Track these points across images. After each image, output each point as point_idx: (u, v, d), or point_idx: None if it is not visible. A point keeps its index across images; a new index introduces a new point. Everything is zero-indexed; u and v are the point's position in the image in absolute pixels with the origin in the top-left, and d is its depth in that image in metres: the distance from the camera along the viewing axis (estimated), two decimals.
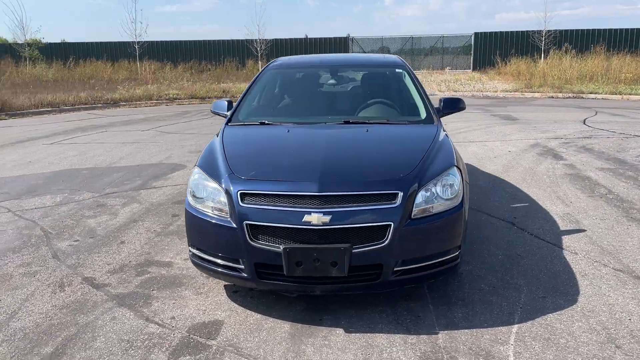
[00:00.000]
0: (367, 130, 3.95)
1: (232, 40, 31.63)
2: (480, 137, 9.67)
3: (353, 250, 2.97)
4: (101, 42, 31.98)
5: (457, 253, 3.29)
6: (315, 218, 2.97)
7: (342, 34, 36.04)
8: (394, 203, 3.05)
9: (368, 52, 33.15)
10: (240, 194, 3.15)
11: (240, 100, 4.57)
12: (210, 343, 3.01)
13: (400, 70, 4.80)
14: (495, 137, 9.69)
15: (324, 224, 2.97)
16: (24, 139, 10.57)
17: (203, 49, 31.33)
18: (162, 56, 30.35)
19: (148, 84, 22.06)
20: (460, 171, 3.47)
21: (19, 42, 27.90)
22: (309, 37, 32.04)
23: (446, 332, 3.08)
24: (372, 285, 3.13)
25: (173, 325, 3.21)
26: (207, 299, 3.54)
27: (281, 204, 3.08)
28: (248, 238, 3.08)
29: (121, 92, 18.80)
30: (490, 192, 6.01)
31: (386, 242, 3.00)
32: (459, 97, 4.77)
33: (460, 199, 3.30)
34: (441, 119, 4.33)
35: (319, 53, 31.24)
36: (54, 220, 5.24)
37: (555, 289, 3.60)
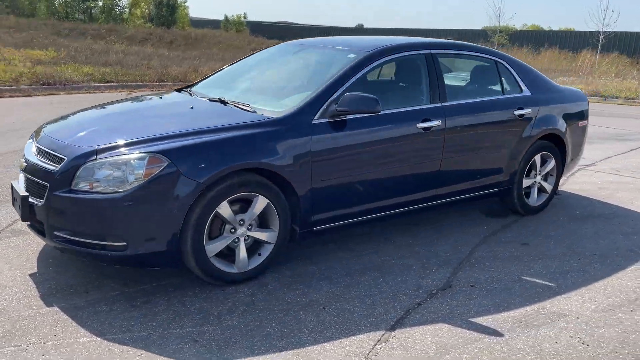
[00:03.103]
0: (192, 108, 3.70)
1: None
2: None
3: (30, 200, 3.14)
4: (563, 31, 30.69)
5: (119, 243, 2.94)
6: (22, 164, 3.38)
7: None
8: (56, 167, 3.06)
9: None
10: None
11: (217, 71, 4.64)
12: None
13: (353, 56, 3.75)
14: None
15: (23, 169, 3.33)
16: None
17: None
18: (629, 49, 26.74)
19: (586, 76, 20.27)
20: (171, 166, 2.93)
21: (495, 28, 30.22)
22: None
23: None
24: (46, 239, 3.15)
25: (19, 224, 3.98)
26: None
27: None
28: None
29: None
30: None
31: (42, 201, 3.05)
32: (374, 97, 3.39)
33: (126, 188, 2.89)
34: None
35: None
36: None
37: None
